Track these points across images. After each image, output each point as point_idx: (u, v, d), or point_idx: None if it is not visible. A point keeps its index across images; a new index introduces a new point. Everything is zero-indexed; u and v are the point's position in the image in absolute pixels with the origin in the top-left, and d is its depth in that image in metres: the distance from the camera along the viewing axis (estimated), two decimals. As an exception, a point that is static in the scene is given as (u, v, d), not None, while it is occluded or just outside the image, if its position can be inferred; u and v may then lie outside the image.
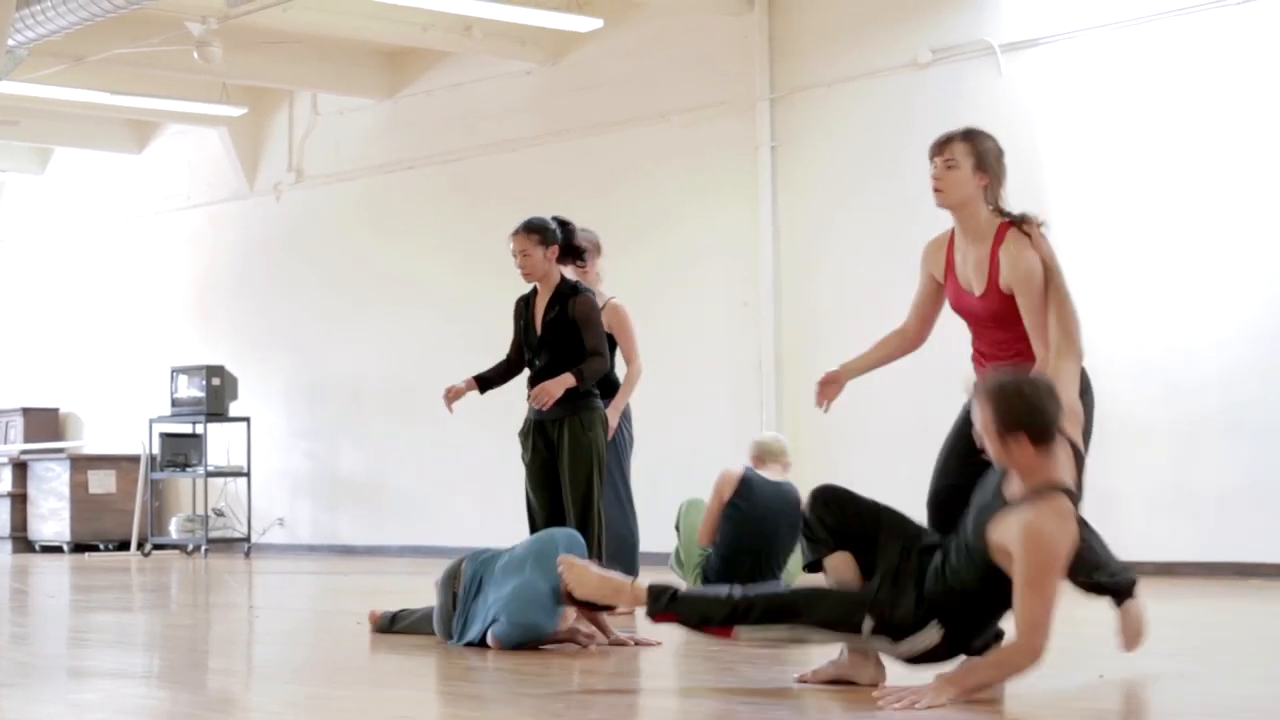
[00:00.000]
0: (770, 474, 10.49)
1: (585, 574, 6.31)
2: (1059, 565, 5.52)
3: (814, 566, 6.29)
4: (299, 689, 6.75)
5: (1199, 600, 10.31)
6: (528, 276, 9.16)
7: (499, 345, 9.61)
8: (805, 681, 6.20)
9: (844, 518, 6.09)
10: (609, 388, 10.00)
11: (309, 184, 19.44)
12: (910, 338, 7.34)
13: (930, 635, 5.82)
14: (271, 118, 19.82)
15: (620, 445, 10.37)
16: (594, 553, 8.60)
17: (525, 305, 9.27)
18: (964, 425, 6.74)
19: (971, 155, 6.75)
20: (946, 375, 14.12)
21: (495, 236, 17.35)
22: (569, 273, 9.37)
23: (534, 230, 9.06)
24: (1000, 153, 6.80)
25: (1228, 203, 12.62)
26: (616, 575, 6.34)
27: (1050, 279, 6.62)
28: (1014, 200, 11.61)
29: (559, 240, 9.08)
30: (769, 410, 15.07)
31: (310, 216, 19.44)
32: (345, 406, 19.05)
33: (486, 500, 16.73)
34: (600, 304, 9.96)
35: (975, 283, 6.70)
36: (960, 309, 6.83)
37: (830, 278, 14.88)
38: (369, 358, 18.63)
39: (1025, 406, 5.64)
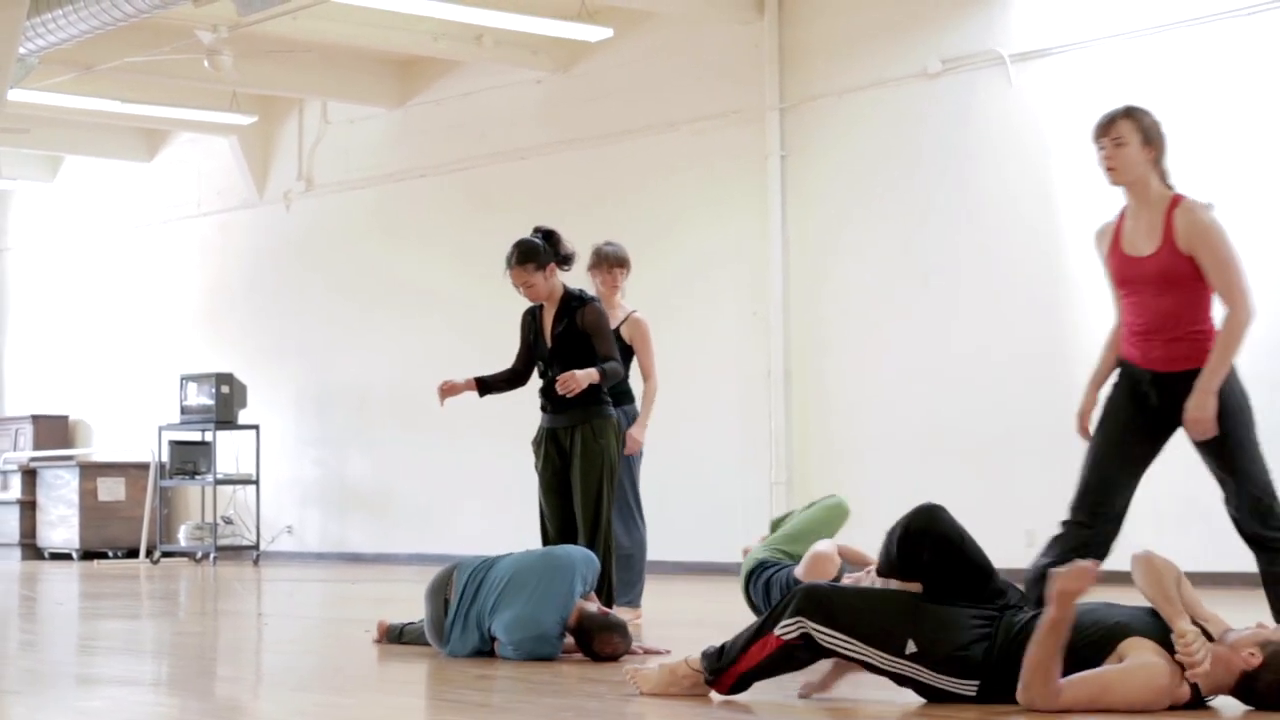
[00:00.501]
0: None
1: (648, 676, 6.23)
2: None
3: (883, 571, 6.19)
4: (307, 697, 6.75)
5: (1212, 608, 10.26)
6: (535, 301, 9.27)
7: (508, 353, 9.62)
8: (808, 695, 6.17)
9: (935, 557, 5.94)
10: (619, 396, 9.98)
11: (319, 192, 19.45)
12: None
13: (965, 690, 5.72)
14: (282, 126, 19.84)
15: (631, 457, 10.35)
16: (603, 562, 8.61)
17: (533, 318, 9.32)
18: (1121, 414, 6.93)
19: (1138, 131, 6.90)
20: (955, 382, 14.17)
21: (505, 245, 17.37)
22: (595, 285, 9.39)
23: (527, 259, 9.11)
24: (1160, 125, 6.98)
25: (1239, 212, 12.60)
26: (671, 662, 6.23)
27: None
28: (1024, 209, 11.81)
29: (552, 258, 9.15)
30: (777, 419, 15.06)
31: (320, 225, 19.46)
32: (354, 414, 19.05)
33: (494, 508, 16.74)
34: (622, 316, 10.10)
35: (1146, 245, 6.82)
36: (1126, 277, 6.89)
37: (839, 287, 14.87)
38: (378, 366, 18.63)
39: None
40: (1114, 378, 7.00)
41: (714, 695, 6.04)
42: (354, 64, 18.05)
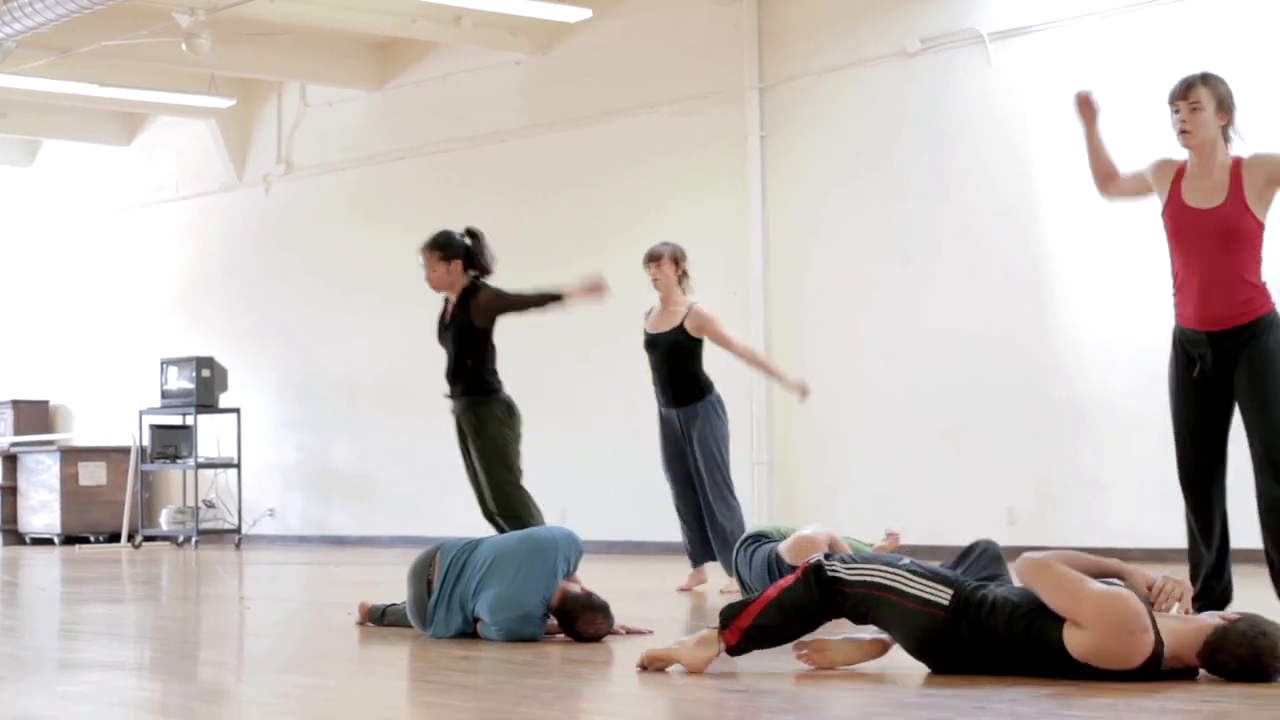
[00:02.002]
0: None
1: (665, 656, 6.28)
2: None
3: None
4: (290, 680, 6.75)
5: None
6: (433, 288, 9.74)
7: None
8: (806, 659, 6.22)
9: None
10: (702, 390, 10.98)
11: (298, 175, 19.43)
12: (1110, 177, 7.87)
13: (939, 595, 5.93)
14: (260, 109, 19.80)
15: (719, 437, 11.07)
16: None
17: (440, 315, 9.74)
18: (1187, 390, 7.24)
19: (1214, 98, 7.23)
20: (935, 361, 14.20)
21: (485, 227, 17.37)
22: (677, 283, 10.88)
23: (436, 246, 9.66)
24: (1233, 94, 7.31)
25: (1216, 191, 12.64)
26: (688, 639, 6.32)
27: None
28: (1003, 188, 11.80)
29: (460, 254, 9.65)
30: (759, 400, 15.07)
31: (299, 208, 19.43)
32: (335, 397, 19.04)
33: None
34: (683, 311, 10.94)
35: (1213, 198, 7.12)
36: (1182, 227, 7.18)
37: (819, 267, 14.89)
38: (358, 348, 18.62)
39: None
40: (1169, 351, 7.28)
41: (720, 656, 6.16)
42: (332, 46, 18.02)
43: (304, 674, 6.99)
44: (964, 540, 6.80)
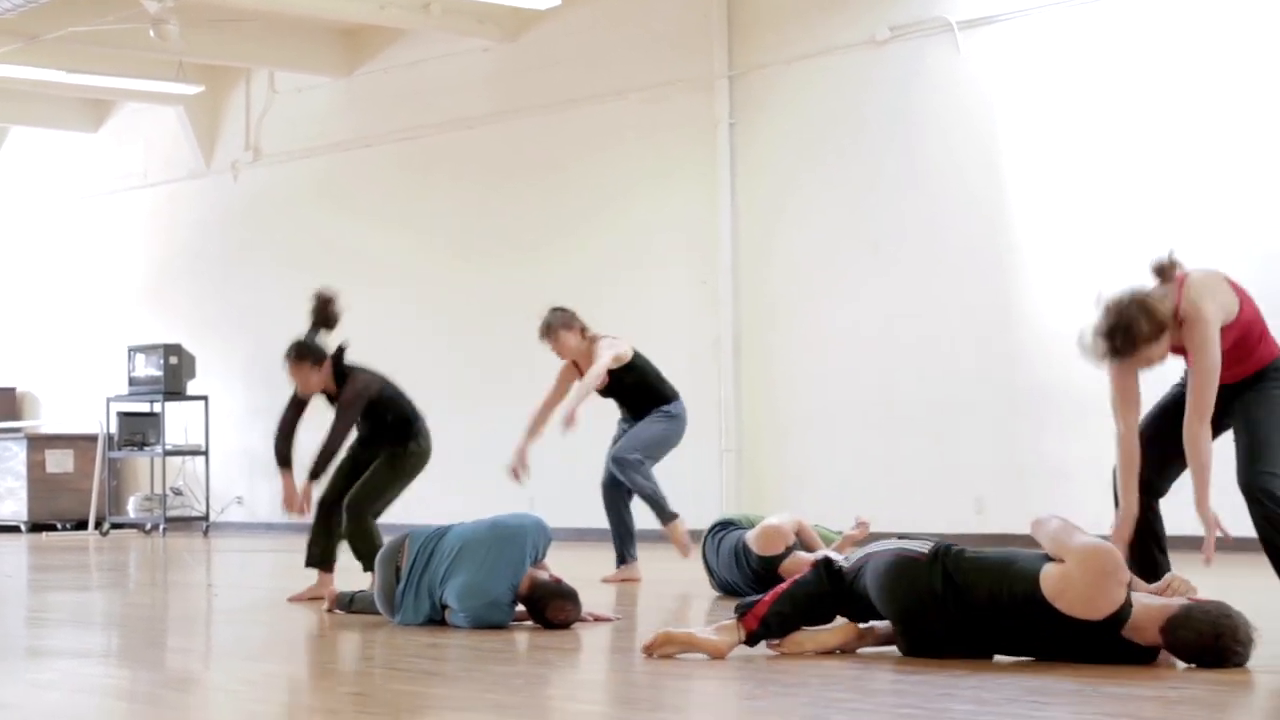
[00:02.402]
0: None
1: (670, 645, 6.34)
2: None
3: None
4: (258, 667, 6.75)
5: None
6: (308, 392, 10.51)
7: (456, 322, 9.72)
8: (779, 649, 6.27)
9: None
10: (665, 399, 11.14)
11: (266, 162, 19.39)
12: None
13: (920, 547, 6.19)
14: (228, 96, 19.75)
15: (664, 432, 11.30)
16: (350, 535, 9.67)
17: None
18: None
19: (1150, 337, 6.84)
20: (904, 350, 14.22)
21: (453, 214, 17.40)
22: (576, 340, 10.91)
23: (303, 357, 10.38)
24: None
25: (1187, 178, 12.68)
26: (706, 629, 6.39)
27: None
28: (970, 176, 11.81)
29: (325, 356, 10.40)
30: (727, 388, 15.09)
31: (268, 195, 19.39)
32: (304, 385, 18.99)
33: (447, 479, 16.72)
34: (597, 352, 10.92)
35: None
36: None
37: (788, 255, 14.90)
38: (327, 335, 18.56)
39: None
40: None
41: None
42: (301, 33, 17.97)
43: (271, 661, 6.99)
44: (932, 527, 6.83)
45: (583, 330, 11.11)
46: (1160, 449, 6.91)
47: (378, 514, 9.84)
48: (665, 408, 11.22)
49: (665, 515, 11.15)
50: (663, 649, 6.30)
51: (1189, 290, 6.82)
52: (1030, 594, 5.87)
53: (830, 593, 6.28)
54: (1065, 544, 5.95)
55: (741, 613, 6.31)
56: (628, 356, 11.18)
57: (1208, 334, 6.71)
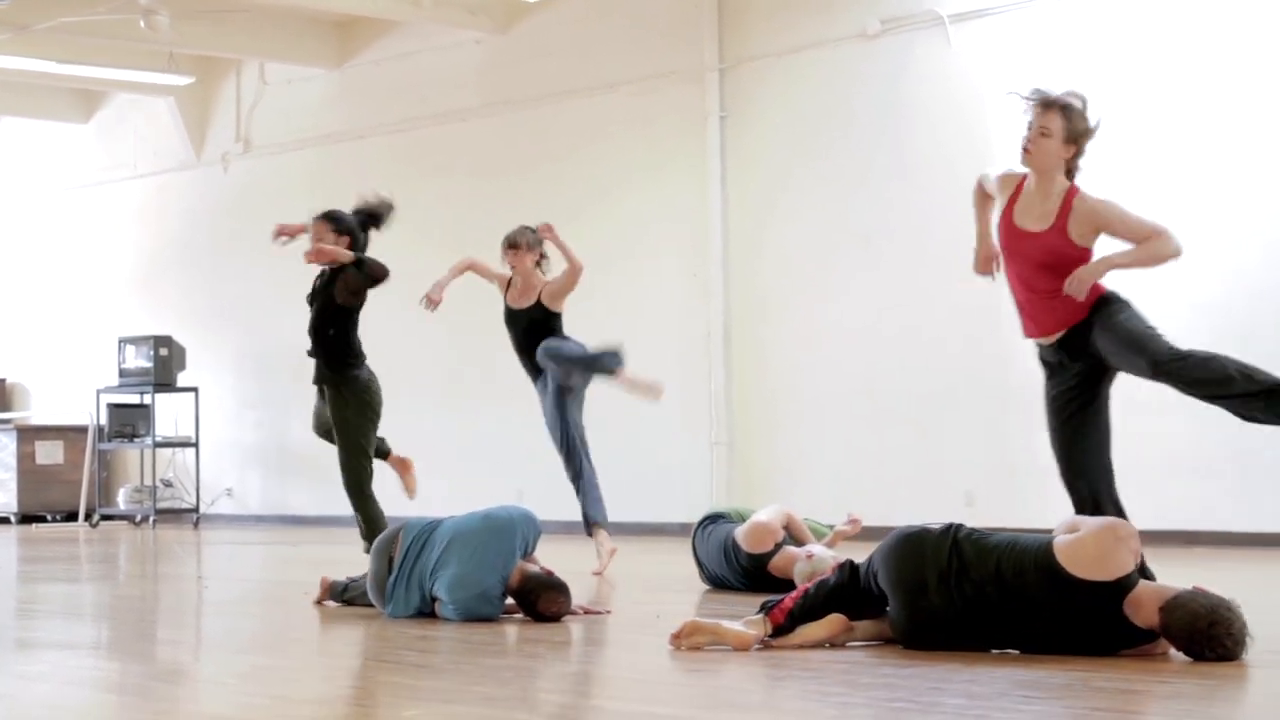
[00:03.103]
0: None
1: (699, 635, 6.37)
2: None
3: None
4: (248, 659, 6.75)
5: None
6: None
7: (448, 315, 9.69)
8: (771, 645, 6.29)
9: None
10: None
11: (257, 154, 19.37)
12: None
13: (939, 524, 6.33)
14: (219, 87, 19.73)
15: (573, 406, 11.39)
16: (357, 510, 10.21)
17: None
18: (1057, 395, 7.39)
19: (1065, 129, 7.27)
20: (894, 343, 14.24)
21: (444, 206, 17.39)
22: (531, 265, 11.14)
23: (331, 219, 10.77)
24: (1090, 129, 7.35)
25: (1179, 173, 12.69)
26: (733, 623, 6.43)
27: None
28: (961, 170, 11.87)
29: (351, 230, 10.74)
30: (717, 380, 15.09)
31: (258, 186, 19.37)
32: (294, 377, 18.92)
33: (436, 470, 16.72)
34: (539, 286, 11.24)
35: (1041, 223, 7.25)
36: (1010, 245, 7.38)
37: (778, 247, 14.90)
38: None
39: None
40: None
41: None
42: (292, 24, 17.95)
43: (262, 654, 6.99)
44: (922, 520, 6.83)
45: (540, 260, 11.36)
46: (1071, 457, 7.22)
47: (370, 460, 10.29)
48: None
49: (611, 363, 11.13)
50: (691, 639, 6.33)
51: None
52: (1040, 560, 5.99)
53: (850, 585, 6.37)
54: (1083, 520, 6.21)
55: (768, 608, 6.38)
56: (562, 305, 11.47)
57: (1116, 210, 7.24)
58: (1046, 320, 7.28)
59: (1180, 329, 12.77)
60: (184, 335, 18.99)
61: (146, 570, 12.54)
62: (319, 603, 8.50)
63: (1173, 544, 11.95)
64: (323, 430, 10.59)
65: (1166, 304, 12.56)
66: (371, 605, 8.02)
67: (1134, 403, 12.79)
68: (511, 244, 11.31)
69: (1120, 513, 7.10)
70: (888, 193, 14.21)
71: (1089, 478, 7.28)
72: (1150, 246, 7.24)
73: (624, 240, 15.80)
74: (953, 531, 6.20)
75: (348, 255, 10.12)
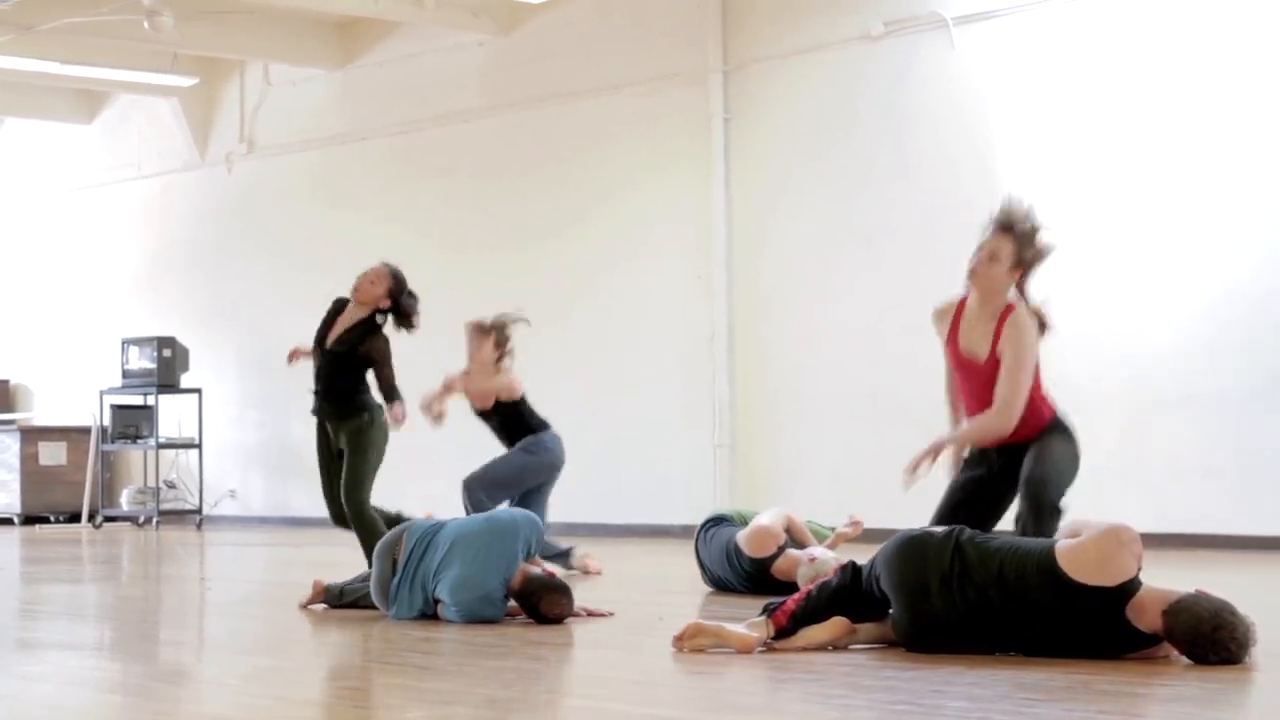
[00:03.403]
0: None
1: (702, 637, 6.38)
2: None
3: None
4: (250, 660, 6.76)
5: (1148, 571, 10.36)
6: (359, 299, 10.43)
7: (449, 318, 9.68)
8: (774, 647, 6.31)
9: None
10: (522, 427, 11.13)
11: (260, 155, 19.37)
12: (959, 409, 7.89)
13: (941, 526, 6.46)
14: (223, 88, 19.73)
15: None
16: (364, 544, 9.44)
17: (336, 309, 10.46)
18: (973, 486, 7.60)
19: (1013, 254, 7.52)
20: (897, 345, 14.22)
21: (447, 208, 17.39)
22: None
23: (389, 276, 10.39)
24: (1040, 248, 7.57)
25: (1180, 177, 12.68)
26: (729, 627, 6.43)
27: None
28: (964, 172, 11.88)
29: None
30: (721, 382, 15.09)
31: (262, 187, 19.37)
32: (297, 378, 18.94)
33: (437, 473, 16.73)
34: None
35: (981, 348, 7.45)
36: (960, 366, 7.57)
37: (782, 250, 14.90)
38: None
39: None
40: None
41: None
42: (295, 25, 17.95)
43: (264, 655, 6.99)
44: (924, 522, 6.84)
45: (501, 354, 11.36)
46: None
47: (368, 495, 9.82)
48: (530, 439, 11.18)
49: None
50: (694, 641, 6.34)
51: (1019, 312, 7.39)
52: (1043, 564, 6.00)
53: (852, 587, 6.38)
54: (1086, 523, 6.20)
55: (771, 610, 6.39)
56: (518, 394, 11.33)
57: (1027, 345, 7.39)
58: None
59: (1181, 332, 12.80)
60: (187, 336, 18.99)
61: (149, 571, 12.54)
62: (306, 606, 8.47)
63: (1173, 547, 11.95)
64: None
65: (1167, 311, 12.60)
66: (372, 607, 8.02)
67: (1138, 405, 12.86)
68: (483, 330, 11.47)
69: None
70: (891, 194, 14.21)
71: None
72: (988, 417, 7.40)
73: (627, 242, 15.80)
74: (955, 535, 6.21)
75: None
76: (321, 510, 18.72)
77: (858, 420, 14.38)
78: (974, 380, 7.49)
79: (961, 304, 7.60)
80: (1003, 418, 7.33)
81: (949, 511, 7.41)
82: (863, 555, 6.72)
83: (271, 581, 11.53)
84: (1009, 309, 7.42)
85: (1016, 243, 7.47)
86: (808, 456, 14.66)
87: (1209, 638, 5.77)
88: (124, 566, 13.12)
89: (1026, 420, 7.36)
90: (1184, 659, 5.88)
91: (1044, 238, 7.54)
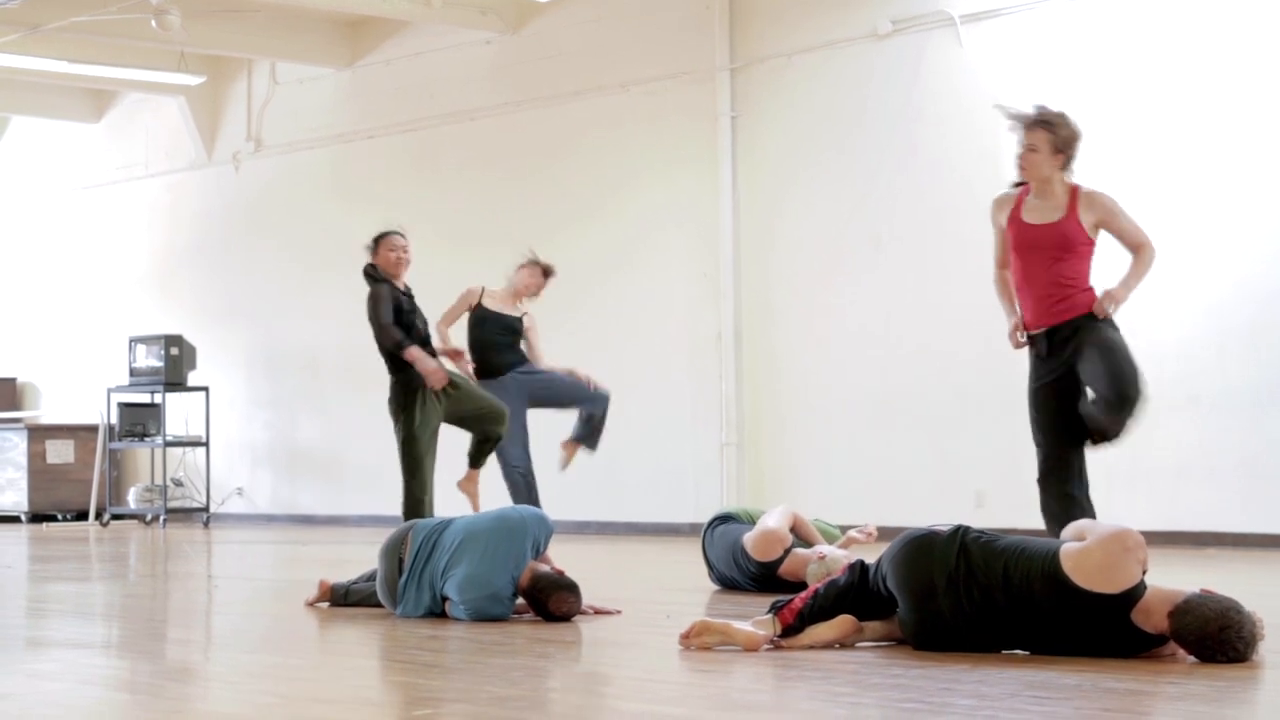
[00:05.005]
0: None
1: (708, 634, 6.39)
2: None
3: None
4: (258, 659, 6.76)
5: (1155, 570, 10.35)
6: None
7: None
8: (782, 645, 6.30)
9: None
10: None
11: (268, 153, 19.38)
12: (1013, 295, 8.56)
13: (946, 528, 6.34)
14: (230, 86, 19.75)
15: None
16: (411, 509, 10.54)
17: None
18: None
19: (1049, 142, 8.18)
20: (905, 344, 14.22)
21: (454, 205, 17.40)
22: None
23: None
24: (1073, 134, 8.23)
25: (1185, 175, 12.68)
26: (736, 625, 6.43)
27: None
28: (971, 171, 11.98)
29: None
30: (728, 381, 15.09)
31: (269, 186, 19.39)
32: (304, 376, 19.01)
33: (445, 469, 16.73)
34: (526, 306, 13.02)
35: (1051, 216, 8.12)
36: (1023, 240, 8.16)
37: (789, 247, 14.90)
38: (328, 327, 18.57)
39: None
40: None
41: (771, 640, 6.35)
42: (303, 24, 17.97)
43: (272, 653, 6.99)
44: (932, 521, 6.84)
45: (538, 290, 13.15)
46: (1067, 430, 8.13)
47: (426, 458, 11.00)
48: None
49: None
50: (700, 639, 6.35)
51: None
52: (1047, 569, 5.97)
53: (859, 585, 6.38)
54: (1091, 527, 6.18)
55: (778, 608, 6.40)
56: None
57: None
58: (1042, 312, 8.14)
59: (1187, 332, 12.79)
60: (195, 334, 19.00)
61: (157, 569, 12.55)
62: (312, 604, 8.47)
63: (1182, 545, 11.94)
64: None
65: (1174, 307, 12.58)
66: (378, 605, 8.02)
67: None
68: (548, 272, 13.17)
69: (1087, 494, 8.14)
70: (898, 193, 14.21)
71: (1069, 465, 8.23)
72: (1145, 256, 8.22)
73: (634, 241, 15.80)
74: (960, 534, 6.20)
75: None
76: (328, 509, 18.83)
77: (865, 419, 14.38)
78: (1038, 250, 8.09)
79: (1023, 194, 8.26)
80: (1148, 249, 8.24)
81: (1053, 433, 8.19)
82: (871, 555, 6.71)
83: (279, 580, 11.53)
84: (1076, 186, 8.17)
85: (1049, 130, 8.13)
86: (815, 455, 14.66)
87: (1216, 638, 5.77)
88: (131, 565, 13.13)
89: (1076, 298, 8.07)
90: (1192, 658, 5.88)
91: (1073, 120, 8.20)
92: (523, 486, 12.55)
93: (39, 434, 19.93)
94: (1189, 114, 12.71)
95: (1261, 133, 12.40)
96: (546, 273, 13.13)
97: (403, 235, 11.33)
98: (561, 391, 12.75)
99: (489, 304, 13.00)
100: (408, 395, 10.92)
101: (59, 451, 19.85)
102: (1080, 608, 5.90)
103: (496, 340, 12.80)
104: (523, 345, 12.96)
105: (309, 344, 18.91)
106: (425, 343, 11.08)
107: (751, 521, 9.37)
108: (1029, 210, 8.21)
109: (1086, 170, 13.10)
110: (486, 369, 12.65)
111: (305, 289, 18.92)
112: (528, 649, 6.68)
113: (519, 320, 12.97)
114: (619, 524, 15.36)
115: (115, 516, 19.22)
